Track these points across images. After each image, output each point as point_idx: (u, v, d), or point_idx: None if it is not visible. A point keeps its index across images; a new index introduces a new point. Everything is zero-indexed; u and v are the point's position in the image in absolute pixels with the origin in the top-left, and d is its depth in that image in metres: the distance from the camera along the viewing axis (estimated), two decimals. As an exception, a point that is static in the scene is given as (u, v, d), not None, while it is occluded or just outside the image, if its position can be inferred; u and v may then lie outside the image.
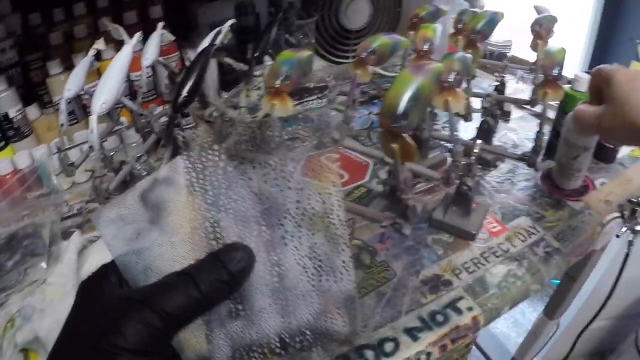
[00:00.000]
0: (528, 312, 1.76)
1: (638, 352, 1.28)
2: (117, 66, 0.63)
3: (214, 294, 0.31)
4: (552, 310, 1.24)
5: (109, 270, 0.34)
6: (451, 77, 0.54)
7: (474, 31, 0.71)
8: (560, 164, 0.73)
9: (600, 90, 0.56)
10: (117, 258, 0.34)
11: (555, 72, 0.64)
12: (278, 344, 0.34)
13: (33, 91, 0.85)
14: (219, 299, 0.32)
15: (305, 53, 0.56)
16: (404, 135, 0.47)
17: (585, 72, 0.95)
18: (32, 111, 0.84)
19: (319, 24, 1.10)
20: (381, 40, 0.62)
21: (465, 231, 0.66)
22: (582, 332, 1.12)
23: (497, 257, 0.64)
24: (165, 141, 0.60)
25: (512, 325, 1.74)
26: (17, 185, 0.71)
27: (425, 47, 0.63)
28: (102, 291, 0.33)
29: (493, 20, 0.73)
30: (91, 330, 0.29)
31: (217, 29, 0.69)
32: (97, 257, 0.61)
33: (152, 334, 0.28)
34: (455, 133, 0.58)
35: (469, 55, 0.59)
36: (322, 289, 0.34)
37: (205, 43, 0.68)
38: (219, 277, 0.31)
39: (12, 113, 0.78)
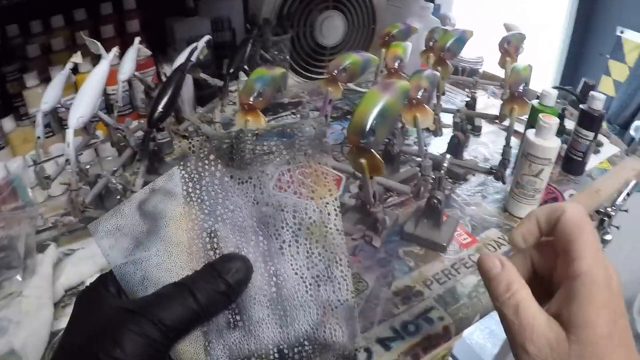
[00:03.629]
0: (504, 323, 1.79)
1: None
2: (94, 80, 0.64)
3: (211, 305, 0.31)
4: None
5: (107, 280, 0.34)
6: (419, 94, 0.55)
7: (443, 49, 0.72)
8: (520, 186, 0.71)
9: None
10: (115, 268, 0.34)
11: (521, 88, 0.66)
12: (277, 355, 0.34)
13: (9, 103, 0.84)
14: (217, 310, 0.32)
15: (279, 70, 0.57)
16: (372, 150, 0.49)
17: (554, 87, 0.99)
18: (8, 123, 0.83)
19: (294, 40, 1.11)
20: (352, 58, 0.63)
21: (436, 243, 0.67)
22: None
23: (468, 267, 0.65)
24: (140, 155, 0.60)
25: (487, 336, 1.76)
26: (-9, 196, 0.70)
27: (396, 65, 0.64)
28: (100, 301, 0.32)
29: (461, 38, 0.75)
30: (89, 342, 0.29)
31: (193, 45, 0.69)
32: (73, 271, 0.60)
33: (150, 345, 0.29)
34: (423, 148, 0.59)
35: (437, 73, 0.61)
36: (320, 300, 0.33)
37: (181, 59, 0.69)
38: (216, 287, 0.31)
39: (-13, 125, 0.77)
